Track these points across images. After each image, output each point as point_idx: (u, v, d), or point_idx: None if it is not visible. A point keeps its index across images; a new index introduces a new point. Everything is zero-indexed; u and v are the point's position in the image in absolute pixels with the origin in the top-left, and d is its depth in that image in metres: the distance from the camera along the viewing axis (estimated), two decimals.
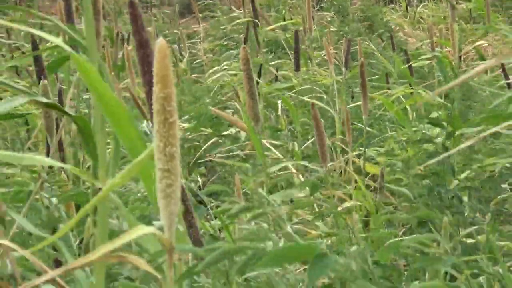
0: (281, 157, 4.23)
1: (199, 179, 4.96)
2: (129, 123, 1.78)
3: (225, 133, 5.48)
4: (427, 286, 1.95)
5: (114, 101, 1.77)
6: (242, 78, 6.46)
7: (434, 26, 8.70)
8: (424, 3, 10.92)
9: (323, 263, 1.57)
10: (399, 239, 2.31)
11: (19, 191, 2.82)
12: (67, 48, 1.89)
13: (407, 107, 5.70)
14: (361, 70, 4.32)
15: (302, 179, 4.19)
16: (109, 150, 2.00)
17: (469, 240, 3.02)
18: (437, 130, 4.73)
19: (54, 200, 2.92)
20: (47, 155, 3.12)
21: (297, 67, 5.43)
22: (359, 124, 5.36)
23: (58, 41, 1.93)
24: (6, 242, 1.45)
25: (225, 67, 7.70)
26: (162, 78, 1.23)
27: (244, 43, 7.47)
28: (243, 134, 5.24)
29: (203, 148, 5.37)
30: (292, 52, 7.83)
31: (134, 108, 4.18)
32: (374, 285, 1.76)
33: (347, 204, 3.71)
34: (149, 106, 1.57)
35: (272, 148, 4.30)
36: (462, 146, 1.81)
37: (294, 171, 4.07)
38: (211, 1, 12.36)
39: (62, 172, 3.13)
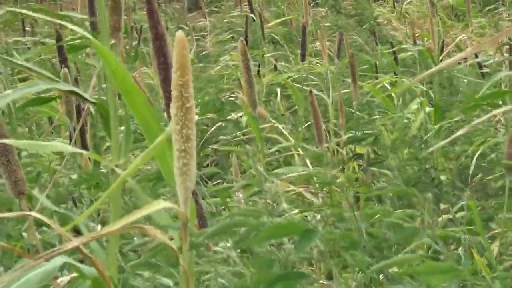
0: (289, 136, 4.24)
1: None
2: (145, 105, 1.80)
3: (228, 118, 5.51)
4: (408, 257, 1.95)
5: (131, 84, 1.79)
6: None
7: (418, 20, 8.69)
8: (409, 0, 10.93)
9: (310, 237, 1.62)
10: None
11: (40, 173, 2.84)
12: (89, 36, 1.90)
13: (392, 94, 5.70)
14: (351, 60, 4.39)
15: (299, 159, 4.20)
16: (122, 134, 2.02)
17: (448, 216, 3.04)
18: (421, 115, 4.75)
19: (74, 176, 2.93)
20: (70, 138, 3.13)
21: (303, 58, 5.45)
22: (350, 109, 5.36)
23: (81, 30, 1.94)
24: (35, 213, 1.46)
25: (228, 59, 7.69)
26: (181, 67, 1.24)
27: (246, 37, 7.47)
28: (243, 119, 5.28)
29: (209, 132, 5.40)
30: (288, 45, 7.84)
31: None
32: (367, 254, 1.78)
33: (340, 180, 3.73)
34: (163, 92, 1.58)
35: (283, 130, 4.30)
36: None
37: (296, 151, 4.08)
38: None
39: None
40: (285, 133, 4.24)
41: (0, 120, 1.82)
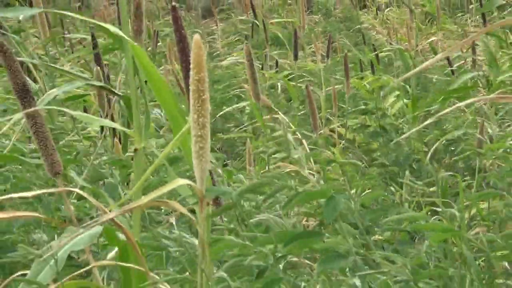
0: (290, 124, 4.23)
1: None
2: (171, 97, 1.82)
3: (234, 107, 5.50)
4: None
5: (160, 80, 1.81)
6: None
7: (397, 25, 8.67)
8: (390, 8, 10.91)
9: (334, 204, 1.57)
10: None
11: (76, 154, 2.85)
12: (124, 35, 1.89)
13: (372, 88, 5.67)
14: (345, 59, 4.57)
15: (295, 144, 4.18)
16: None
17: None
18: (398, 104, 4.76)
19: (104, 158, 2.93)
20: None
21: (296, 57, 5.43)
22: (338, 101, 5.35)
23: (115, 29, 1.93)
24: (75, 189, 1.46)
25: (234, 57, 7.66)
26: (197, 65, 1.23)
27: (251, 38, 7.49)
28: (247, 109, 5.30)
29: (214, 118, 5.41)
30: (288, 45, 7.81)
31: None
32: (358, 222, 1.75)
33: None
34: (186, 86, 1.57)
35: (285, 118, 4.29)
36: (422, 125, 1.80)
37: (296, 136, 4.08)
38: (226, 6, 12.34)
39: (115, 139, 3.15)
40: (286, 120, 4.24)
41: (39, 110, 1.80)
